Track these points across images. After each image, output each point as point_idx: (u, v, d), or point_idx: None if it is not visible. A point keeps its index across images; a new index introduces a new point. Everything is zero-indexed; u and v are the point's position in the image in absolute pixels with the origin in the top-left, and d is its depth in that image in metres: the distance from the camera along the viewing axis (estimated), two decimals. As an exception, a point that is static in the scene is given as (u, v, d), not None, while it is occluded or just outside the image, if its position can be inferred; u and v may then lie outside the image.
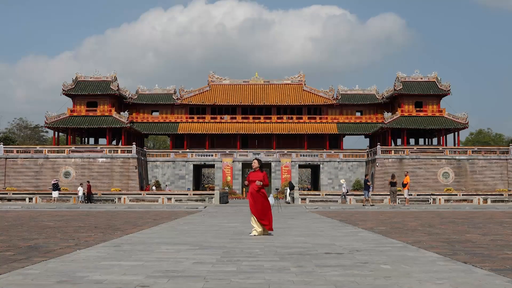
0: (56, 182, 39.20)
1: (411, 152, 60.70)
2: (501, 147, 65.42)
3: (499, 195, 41.04)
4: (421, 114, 65.01)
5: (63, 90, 64.20)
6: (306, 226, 14.19)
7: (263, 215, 10.78)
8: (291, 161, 65.53)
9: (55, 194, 37.71)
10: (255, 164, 11.10)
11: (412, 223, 15.12)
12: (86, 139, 70.45)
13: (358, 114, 71.08)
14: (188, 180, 64.73)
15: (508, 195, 40.18)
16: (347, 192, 39.04)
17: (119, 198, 38.79)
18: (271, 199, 38.78)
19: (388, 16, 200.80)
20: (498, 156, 60.56)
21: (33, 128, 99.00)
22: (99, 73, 66.75)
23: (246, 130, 68.14)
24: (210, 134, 68.21)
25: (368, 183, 32.78)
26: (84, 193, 38.13)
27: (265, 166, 65.12)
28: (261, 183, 10.77)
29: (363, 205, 31.77)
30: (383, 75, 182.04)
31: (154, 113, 70.93)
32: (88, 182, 41.38)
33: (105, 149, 60.66)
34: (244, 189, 62.74)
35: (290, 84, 73.63)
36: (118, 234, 11.17)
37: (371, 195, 34.94)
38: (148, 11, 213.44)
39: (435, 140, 68.81)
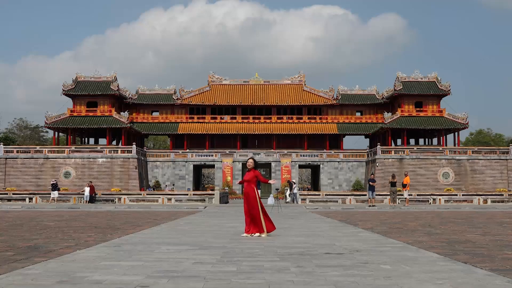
0: (55, 182, 39.13)
1: (411, 152, 60.72)
2: (501, 147, 65.51)
3: (499, 195, 41.05)
4: (421, 114, 65.05)
5: (63, 90, 64.25)
6: (306, 226, 14.18)
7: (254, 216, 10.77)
8: (291, 161, 65.53)
9: (54, 194, 37.67)
10: (251, 163, 11.07)
11: (412, 223, 15.11)
12: (86, 139, 70.49)
13: (358, 114, 71.10)
14: (188, 180, 64.74)
15: (508, 195, 40.19)
16: (298, 192, 39.29)
17: (119, 198, 38.76)
18: (271, 199, 38.81)
19: (390, 16, 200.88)
20: (498, 156, 60.61)
21: (33, 128, 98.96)
22: (99, 73, 66.82)
23: (246, 130, 68.14)
24: (210, 134, 68.22)
25: (373, 183, 32.10)
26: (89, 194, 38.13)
27: (265, 166, 65.15)
28: (270, 181, 11.94)
29: (372, 205, 30.92)
30: (383, 75, 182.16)
31: (154, 113, 70.95)
32: (91, 182, 41.36)
33: (105, 149, 60.70)
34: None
35: (290, 84, 73.63)
36: (118, 234, 11.17)
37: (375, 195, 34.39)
38: (148, 11, 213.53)
39: (435, 140, 68.83)
